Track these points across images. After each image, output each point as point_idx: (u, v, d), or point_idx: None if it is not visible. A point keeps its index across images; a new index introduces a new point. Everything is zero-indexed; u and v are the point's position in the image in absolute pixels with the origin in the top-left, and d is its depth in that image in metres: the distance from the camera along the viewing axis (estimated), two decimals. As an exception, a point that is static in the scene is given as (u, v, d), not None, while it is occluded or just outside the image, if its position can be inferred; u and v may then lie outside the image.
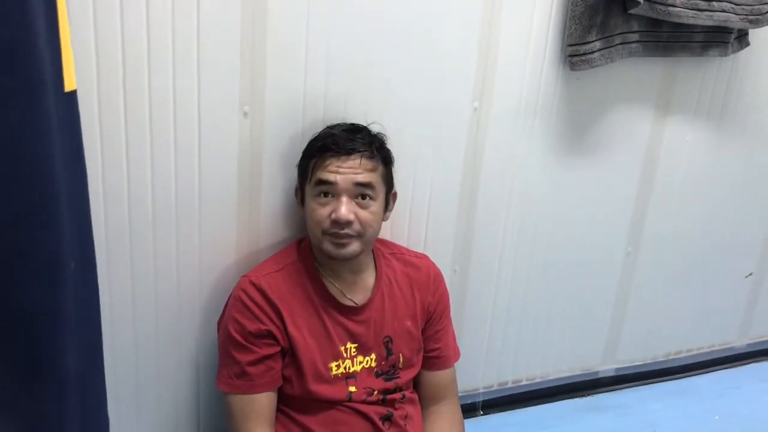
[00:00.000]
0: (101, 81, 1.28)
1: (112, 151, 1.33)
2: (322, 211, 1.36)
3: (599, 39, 1.62)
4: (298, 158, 1.44)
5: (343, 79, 1.47)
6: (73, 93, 1.01)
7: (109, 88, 1.29)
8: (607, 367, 2.12)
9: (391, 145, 1.47)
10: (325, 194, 1.36)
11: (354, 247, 1.38)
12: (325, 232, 1.37)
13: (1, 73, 0.87)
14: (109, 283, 1.41)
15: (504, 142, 1.69)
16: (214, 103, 1.38)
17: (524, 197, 1.77)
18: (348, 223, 1.35)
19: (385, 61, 1.50)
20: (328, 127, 1.43)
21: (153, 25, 1.29)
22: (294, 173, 1.47)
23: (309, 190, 1.39)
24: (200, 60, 1.34)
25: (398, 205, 1.54)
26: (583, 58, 1.62)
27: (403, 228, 1.65)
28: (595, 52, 1.62)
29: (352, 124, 1.44)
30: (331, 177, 1.35)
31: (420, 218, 1.67)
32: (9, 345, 0.97)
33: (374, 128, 1.45)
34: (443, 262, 1.68)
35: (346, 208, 1.34)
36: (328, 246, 1.37)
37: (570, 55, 1.62)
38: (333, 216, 1.35)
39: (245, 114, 1.41)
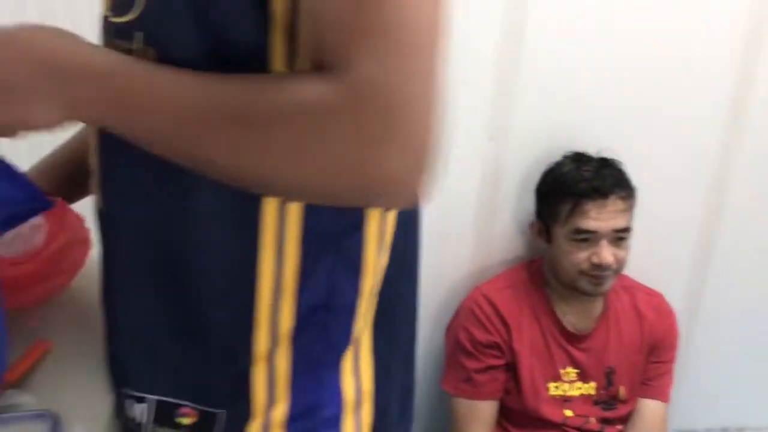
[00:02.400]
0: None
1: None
2: (580, 255, 1.40)
3: None
4: (535, 183, 1.49)
5: (589, 105, 1.49)
6: None
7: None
8: None
9: (632, 173, 1.46)
10: (584, 240, 1.40)
11: (610, 282, 1.43)
12: (582, 273, 1.41)
13: None
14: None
15: (756, 168, 1.62)
16: (464, 127, 1.45)
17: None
18: (608, 266, 1.39)
19: (632, 88, 1.50)
20: (571, 161, 1.45)
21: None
22: (530, 198, 1.51)
23: (562, 232, 1.42)
24: (455, 87, 1.43)
25: (634, 233, 1.53)
26: None
27: (636, 254, 1.62)
28: None
29: (599, 159, 1.44)
30: (591, 226, 1.38)
31: (654, 248, 1.63)
32: None
33: (606, 153, 1.45)
34: (674, 295, 1.63)
35: (607, 252, 1.38)
36: (584, 285, 1.42)
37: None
38: (594, 260, 1.39)
39: (491, 138, 1.48)
